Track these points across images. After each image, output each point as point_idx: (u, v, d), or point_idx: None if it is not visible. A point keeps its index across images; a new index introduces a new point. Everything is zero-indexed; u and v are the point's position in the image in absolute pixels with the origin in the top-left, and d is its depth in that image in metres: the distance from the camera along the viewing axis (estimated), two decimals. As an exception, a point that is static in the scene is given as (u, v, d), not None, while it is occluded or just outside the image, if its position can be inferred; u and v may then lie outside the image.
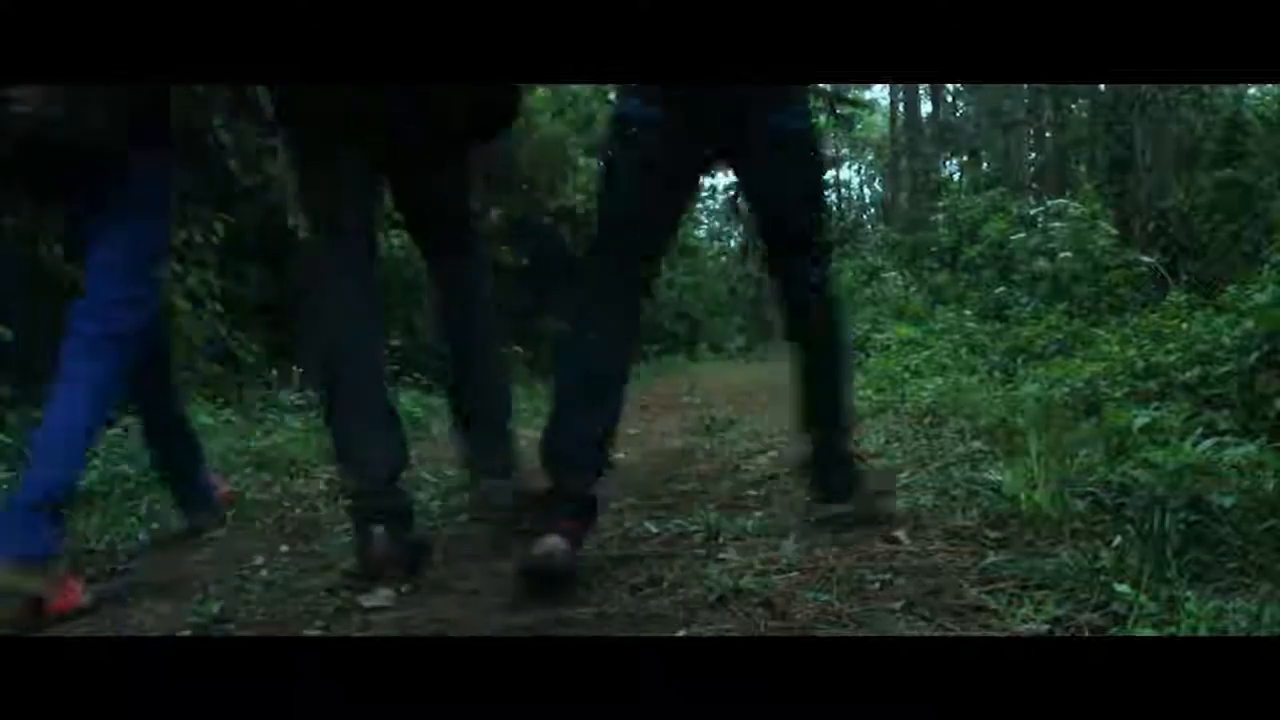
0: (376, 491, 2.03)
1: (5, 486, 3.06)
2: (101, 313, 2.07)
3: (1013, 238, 9.24)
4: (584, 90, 15.30)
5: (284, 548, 2.43)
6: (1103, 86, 13.30)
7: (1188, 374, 3.05)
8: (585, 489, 1.96)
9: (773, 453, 3.47)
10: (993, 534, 2.02)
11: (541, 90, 12.56)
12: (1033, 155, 22.24)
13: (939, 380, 4.77)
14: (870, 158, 39.21)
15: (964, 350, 6.16)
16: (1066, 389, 3.62)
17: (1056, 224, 8.49)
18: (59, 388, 2.01)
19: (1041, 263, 8.23)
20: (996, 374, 4.92)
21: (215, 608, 1.89)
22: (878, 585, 1.76)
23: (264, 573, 2.13)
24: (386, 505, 2.02)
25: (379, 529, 1.97)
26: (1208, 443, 1.89)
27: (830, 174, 37.31)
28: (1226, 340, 3.13)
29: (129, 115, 2.02)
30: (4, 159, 2.03)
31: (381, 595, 1.93)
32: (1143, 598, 1.48)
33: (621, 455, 3.80)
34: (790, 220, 2.15)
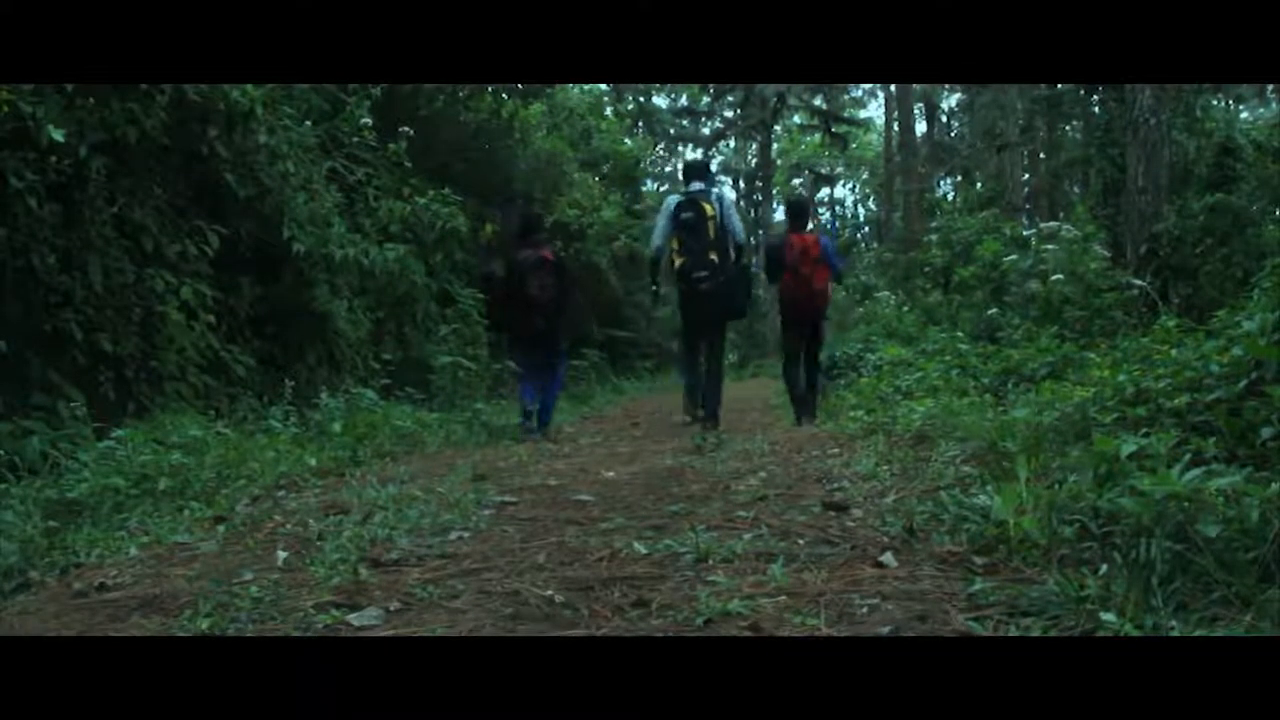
0: (692, 409, 6.71)
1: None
2: (559, 372, 6.61)
3: (1005, 259, 9.28)
4: (580, 106, 15.33)
5: (273, 564, 2.43)
6: (1096, 110, 13.38)
7: (1176, 400, 3.06)
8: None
9: (763, 473, 3.47)
10: (980, 559, 2.03)
11: (538, 105, 12.59)
12: (1026, 176, 22.35)
13: (930, 402, 4.78)
14: (865, 176, 39.39)
15: (955, 372, 6.18)
16: (1056, 413, 3.63)
17: (1049, 246, 8.53)
18: (551, 383, 6.52)
19: (1033, 285, 8.26)
20: (987, 396, 4.94)
21: (203, 624, 1.89)
22: (865, 610, 1.77)
23: (253, 589, 2.12)
24: (692, 411, 6.73)
25: (694, 413, 6.65)
26: (1195, 471, 1.89)
27: (825, 192, 37.58)
28: (1215, 367, 3.14)
29: (564, 321, 6.46)
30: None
31: (370, 614, 1.94)
32: (1128, 626, 1.49)
33: (611, 474, 3.80)
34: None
